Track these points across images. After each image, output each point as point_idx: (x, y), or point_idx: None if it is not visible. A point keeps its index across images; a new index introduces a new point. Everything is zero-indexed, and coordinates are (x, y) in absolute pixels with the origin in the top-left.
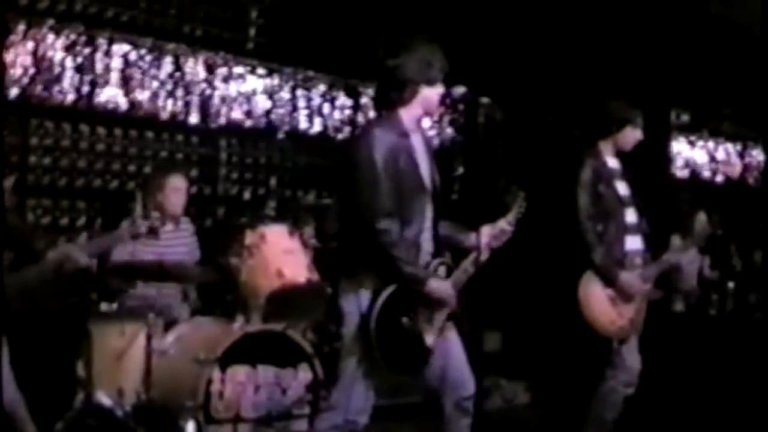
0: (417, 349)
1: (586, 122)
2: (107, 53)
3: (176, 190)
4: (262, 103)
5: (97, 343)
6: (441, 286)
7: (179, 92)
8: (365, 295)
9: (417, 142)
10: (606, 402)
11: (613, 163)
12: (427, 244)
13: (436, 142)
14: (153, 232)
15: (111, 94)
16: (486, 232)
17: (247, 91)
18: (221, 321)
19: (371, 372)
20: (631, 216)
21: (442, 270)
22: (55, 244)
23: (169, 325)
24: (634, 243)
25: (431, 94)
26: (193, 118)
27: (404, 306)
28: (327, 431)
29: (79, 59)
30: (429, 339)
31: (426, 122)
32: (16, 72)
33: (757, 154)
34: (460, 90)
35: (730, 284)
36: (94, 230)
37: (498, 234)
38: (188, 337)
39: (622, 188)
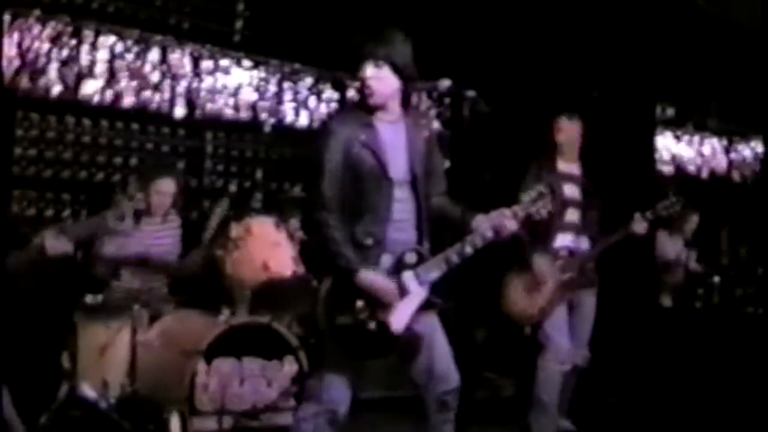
0: (378, 336)
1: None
2: (93, 45)
3: (160, 193)
4: (248, 95)
5: (82, 336)
6: (371, 277)
7: (165, 84)
8: (326, 283)
9: (389, 131)
10: (540, 382)
11: (566, 168)
12: (401, 234)
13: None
14: (137, 215)
15: (97, 86)
16: (490, 219)
17: (233, 84)
18: (206, 313)
19: (346, 362)
20: (570, 216)
21: (411, 258)
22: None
23: (154, 317)
24: (563, 240)
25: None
26: (179, 111)
27: (350, 295)
28: (308, 420)
29: (65, 51)
30: (397, 325)
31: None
32: (2, 63)
33: (742, 149)
34: (445, 83)
35: (716, 279)
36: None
37: (498, 225)
38: (173, 329)
39: (569, 191)
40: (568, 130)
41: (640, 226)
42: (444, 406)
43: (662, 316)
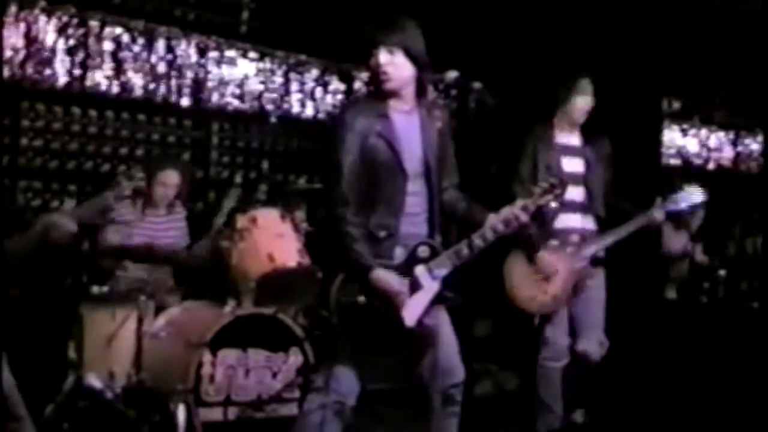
0: (391, 331)
1: (537, 100)
2: (99, 36)
3: (164, 185)
4: (254, 86)
5: (89, 326)
6: (384, 277)
7: (171, 75)
8: (339, 279)
9: (404, 122)
10: (540, 381)
11: (565, 139)
12: (413, 227)
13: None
14: (138, 194)
15: (103, 77)
16: (501, 214)
17: (239, 75)
18: (212, 304)
19: (355, 355)
20: (573, 194)
21: (424, 252)
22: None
23: (160, 308)
24: (569, 221)
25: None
26: (185, 102)
27: (364, 290)
28: (315, 411)
29: (71, 42)
30: (410, 321)
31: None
32: (8, 54)
33: (749, 143)
34: (451, 75)
35: (722, 272)
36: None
37: (509, 218)
38: (179, 320)
39: (570, 165)
40: (581, 106)
41: (659, 215)
42: (449, 400)
43: (667, 310)
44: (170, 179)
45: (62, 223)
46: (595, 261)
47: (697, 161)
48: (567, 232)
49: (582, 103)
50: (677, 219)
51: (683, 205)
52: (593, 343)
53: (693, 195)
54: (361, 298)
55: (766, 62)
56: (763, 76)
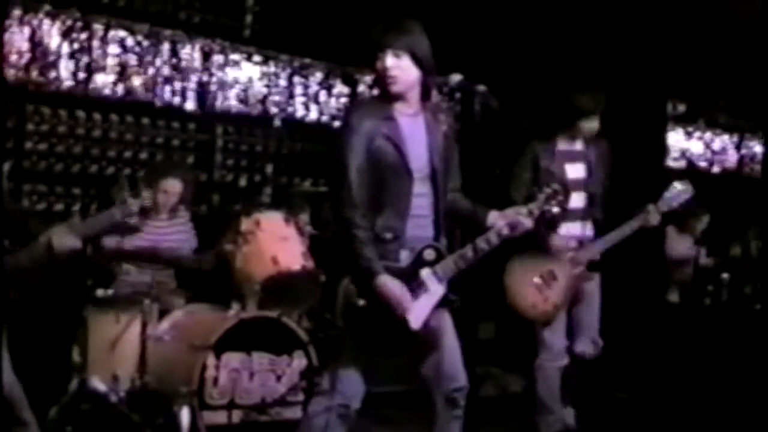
0: (396, 334)
1: (546, 113)
2: (103, 39)
3: (165, 192)
4: (258, 90)
5: (93, 329)
6: (388, 285)
7: (176, 79)
8: (346, 281)
9: (410, 124)
10: (539, 383)
11: (568, 145)
12: (419, 230)
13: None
14: (145, 212)
15: (107, 80)
16: (505, 216)
17: (243, 78)
18: (216, 308)
19: (360, 357)
20: (575, 200)
21: (430, 255)
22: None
23: (164, 311)
24: (570, 229)
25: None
26: (190, 105)
27: (370, 293)
28: (319, 414)
29: (76, 45)
30: (415, 323)
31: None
32: (13, 57)
33: (753, 145)
34: (456, 78)
35: (725, 275)
36: (87, 213)
37: (514, 222)
38: (183, 323)
39: (573, 171)
40: (587, 132)
41: (654, 218)
42: (452, 404)
43: (670, 313)
44: (172, 187)
45: (66, 239)
46: (591, 265)
47: (702, 164)
48: (567, 239)
49: (588, 128)
50: (681, 222)
51: (674, 202)
52: (590, 344)
53: (683, 191)
54: (367, 301)
55: (766, 63)
56: (764, 78)
